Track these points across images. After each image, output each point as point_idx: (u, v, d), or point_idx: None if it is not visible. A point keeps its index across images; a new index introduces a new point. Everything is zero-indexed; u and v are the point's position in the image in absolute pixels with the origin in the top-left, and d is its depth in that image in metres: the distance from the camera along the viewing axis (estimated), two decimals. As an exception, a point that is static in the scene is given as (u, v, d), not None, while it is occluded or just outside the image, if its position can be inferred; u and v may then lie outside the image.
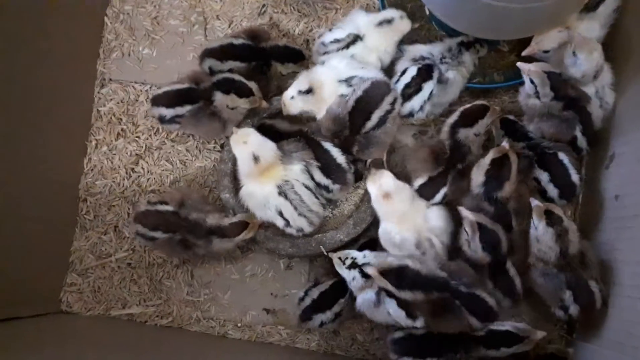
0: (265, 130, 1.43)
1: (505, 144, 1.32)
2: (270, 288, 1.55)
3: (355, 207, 1.51)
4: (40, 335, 1.40)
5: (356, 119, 1.37)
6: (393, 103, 1.39)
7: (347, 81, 1.42)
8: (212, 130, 1.48)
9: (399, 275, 1.24)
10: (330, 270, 1.41)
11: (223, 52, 1.49)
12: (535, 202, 1.27)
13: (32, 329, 1.41)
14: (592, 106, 1.39)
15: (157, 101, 1.47)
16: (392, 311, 1.28)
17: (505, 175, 1.30)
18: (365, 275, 1.28)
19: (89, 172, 1.62)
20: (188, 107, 1.43)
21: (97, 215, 1.60)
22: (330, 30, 1.52)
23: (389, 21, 1.46)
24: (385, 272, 1.24)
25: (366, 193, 1.48)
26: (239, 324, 1.54)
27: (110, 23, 1.70)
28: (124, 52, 1.69)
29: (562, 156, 1.38)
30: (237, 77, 1.43)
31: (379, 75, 1.43)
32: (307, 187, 1.38)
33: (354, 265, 1.30)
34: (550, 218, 1.24)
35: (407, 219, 1.34)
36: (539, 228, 1.26)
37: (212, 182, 1.59)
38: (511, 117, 1.48)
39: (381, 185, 1.34)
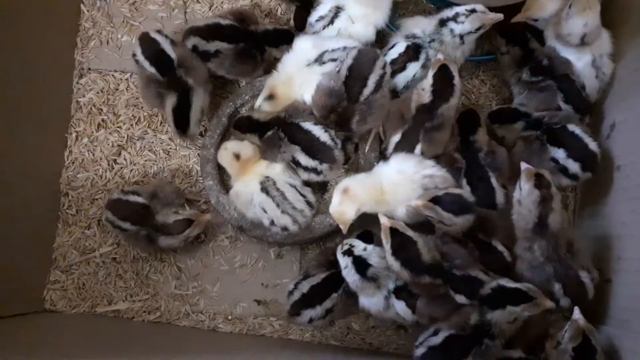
0: (242, 120, 1.39)
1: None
2: (260, 278, 1.49)
3: (345, 190, 1.44)
4: (23, 336, 1.35)
5: (353, 87, 1.30)
6: (384, 67, 1.33)
7: (318, 60, 1.35)
8: (149, 100, 1.45)
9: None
10: (324, 262, 1.35)
11: (209, 32, 1.42)
12: (525, 165, 1.20)
13: (14, 329, 1.37)
14: (583, 74, 1.34)
15: (144, 49, 1.37)
16: (400, 311, 1.26)
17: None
18: (366, 277, 1.22)
19: (70, 165, 1.57)
20: (153, 70, 1.37)
21: (79, 210, 1.55)
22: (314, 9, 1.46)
23: None
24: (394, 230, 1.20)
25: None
26: (230, 317, 1.48)
27: (87, 11, 1.64)
28: (102, 40, 1.63)
29: (572, 128, 1.30)
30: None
31: (354, 43, 1.37)
32: (290, 184, 1.33)
33: (349, 252, 1.23)
34: (539, 181, 1.17)
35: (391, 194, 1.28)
36: (524, 189, 1.18)
37: (197, 171, 1.53)
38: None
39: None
